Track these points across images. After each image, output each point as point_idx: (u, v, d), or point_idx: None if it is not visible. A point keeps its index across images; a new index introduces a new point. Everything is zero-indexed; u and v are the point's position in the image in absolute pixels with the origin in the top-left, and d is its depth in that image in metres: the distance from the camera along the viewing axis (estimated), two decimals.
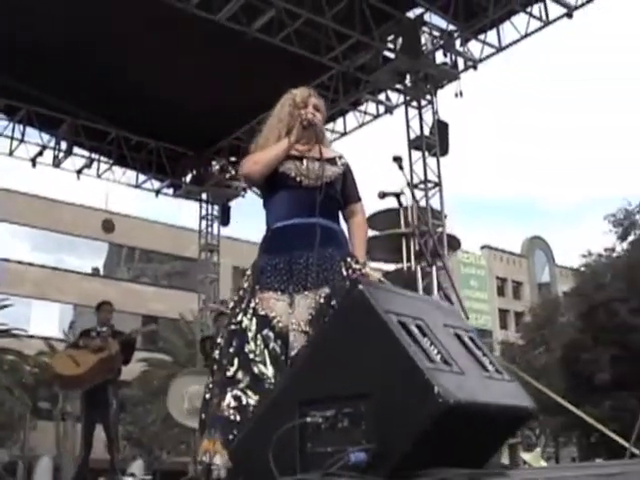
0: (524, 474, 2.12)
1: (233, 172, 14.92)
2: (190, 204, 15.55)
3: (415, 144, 11.24)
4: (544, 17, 10.13)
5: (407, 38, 10.84)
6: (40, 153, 13.51)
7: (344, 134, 13.31)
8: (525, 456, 14.15)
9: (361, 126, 13.10)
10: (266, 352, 3.29)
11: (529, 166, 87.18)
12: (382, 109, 12.72)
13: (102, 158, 14.08)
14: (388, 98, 12.62)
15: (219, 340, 3.57)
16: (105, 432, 8.13)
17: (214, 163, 14.94)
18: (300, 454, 2.13)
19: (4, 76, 11.56)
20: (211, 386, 3.48)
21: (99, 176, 14.19)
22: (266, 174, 3.61)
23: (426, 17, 10.97)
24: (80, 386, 8.12)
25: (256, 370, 3.26)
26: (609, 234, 22.09)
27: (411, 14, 10.95)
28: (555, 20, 10.05)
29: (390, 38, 11.21)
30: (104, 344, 8.01)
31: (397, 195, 4.75)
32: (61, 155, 13.47)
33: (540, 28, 10.22)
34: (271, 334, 3.33)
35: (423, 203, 10.70)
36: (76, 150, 13.69)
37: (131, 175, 14.60)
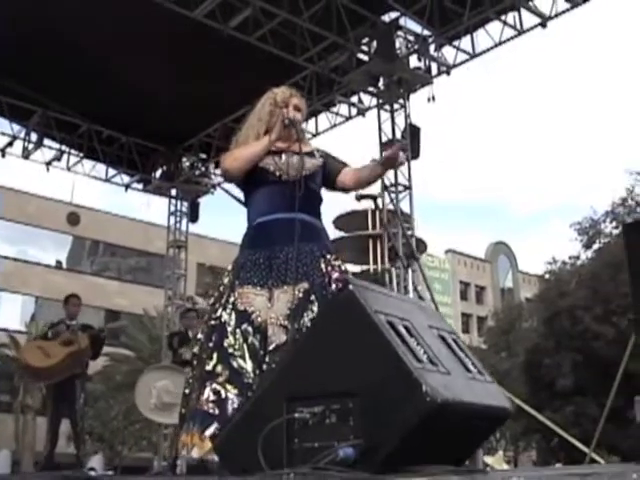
0: (504, 475, 2.18)
1: (203, 169, 14.95)
2: (157, 199, 15.53)
3: (387, 147, 11.32)
4: (518, 26, 10.26)
5: (382, 41, 10.92)
6: (10, 144, 13.41)
7: (315, 135, 13.35)
8: (487, 459, 14.30)
9: (333, 127, 13.15)
10: (245, 346, 3.34)
11: (496, 172, 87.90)
12: (354, 111, 12.80)
13: (72, 151, 14.01)
14: (360, 100, 12.70)
15: (199, 335, 3.61)
16: (71, 426, 8.11)
17: (184, 160, 14.95)
18: (287, 449, 2.18)
19: None
20: (191, 381, 3.52)
21: (69, 169, 14.14)
22: (246, 170, 3.64)
23: (401, 21, 11.07)
24: (49, 378, 8.10)
25: (235, 364, 3.31)
26: (574, 242, 22.45)
27: (386, 18, 11.04)
28: (529, 29, 10.17)
29: (365, 41, 11.30)
30: (74, 337, 7.99)
31: (374, 198, 4.80)
32: (31, 146, 13.39)
33: (514, 37, 10.35)
34: (250, 329, 3.38)
35: (392, 206, 10.79)
36: (46, 142, 13.60)
37: (101, 169, 14.58)
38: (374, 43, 11.14)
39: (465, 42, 10.93)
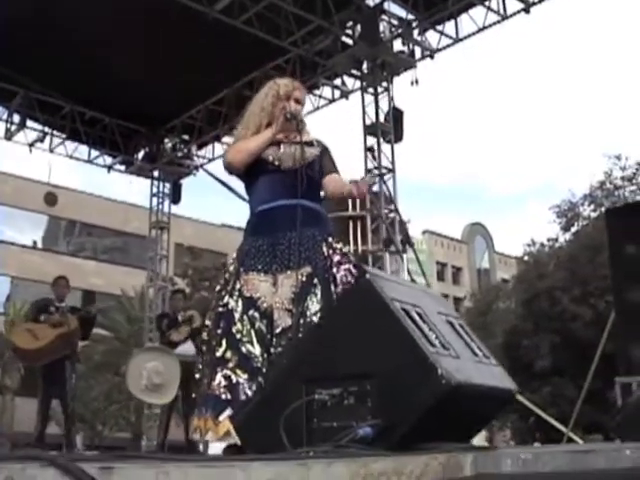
0: (513, 452, 2.32)
1: (186, 151, 14.99)
2: (134, 179, 15.55)
3: (370, 130, 11.43)
4: (502, 11, 10.37)
5: (366, 25, 11.00)
6: None
7: None
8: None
9: (316, 110, 13.21)
10: (252, 332, 3.45)
11: (474, 154, 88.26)
12: (338, 94, 12.86)
13: (55, 132, 13.98)
14: (344, 83, 12.76)
15: (207, 322, 3.71)
16: (62, 407, 8.19)
17: (167, 141, 14.96)
18: (307, 428, 2.30)
19: None
20: (201, 367, 3.62)
21: (51, 150, 14.12)
22: (248, 163, 3.73)
23: (385, 5, 11.15)
24: (39, 360, 8.14)
25: (244, 350, 3.42)
26: (552, 224, 22.70)
27: (371, 2, 11.12)
28: (513, 15, 10.28)
29: (349, 24, 11.37)
30: (63, 319, 8.05)
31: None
32: (14, 128, 13.35)
33: (498, 22, 10.46)
34: (257, 314, 3.49)
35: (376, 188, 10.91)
36: (29, 123, 13.58)
37: (83, 150, 14.57)
38: (358, 27, 11.22)
39: (449, 27, 11.04)
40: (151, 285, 15.14)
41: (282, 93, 3.90)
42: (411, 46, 11.39)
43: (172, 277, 19.01)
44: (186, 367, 8.41)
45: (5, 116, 13.33)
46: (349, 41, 11.50)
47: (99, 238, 39.94)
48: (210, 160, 14.94)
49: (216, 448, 3.75)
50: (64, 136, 14.03)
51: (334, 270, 3.56)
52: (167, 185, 15.24)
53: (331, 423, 2.28)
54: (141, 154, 14.88)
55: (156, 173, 15.22)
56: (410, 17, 11.14)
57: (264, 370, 3.38)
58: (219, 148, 14.75)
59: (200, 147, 14.99)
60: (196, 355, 8.97)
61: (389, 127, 11.29)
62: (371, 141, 11.39)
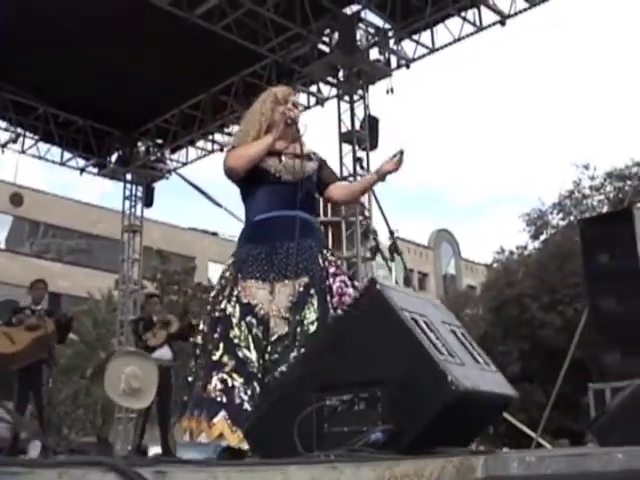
0: (519, 455, 2.41)
1: (159, 154, 14.99)
2: (102, 181, 15.52)
3: (346, 138, 11.54)
4: (477, 23, 10.52)
5: (343, 33, 11.09)
6: None
7: None
8: None
9: None
10: (250, 338, 3.52)
11: (443, 161, 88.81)
12: (313, 101, 12.93)
13: (27, 134, 13.92)
14: (320, 90, 12.83)
15: (201, 326, 3.77)
16: (37, 412, 8.16)
17: (140, 144, 14.95)
18: (317, 433, 2.37)
19: None
20: (194, 370, 3.67)
21: (24, 152, 14.05)
22: (249, 169, 3.78)
23: (363, 14, 11.26)
24: (16, 363, 8.09)
25: (241, 354, 3.48)
26: (519, 232, 22.92)
27: (348, 10, 11.22)
28: (488, 26, 10.44)
29: (326, 32, 11.46)
30: (40, 322, 8.03)
31: None
32: None
33: (473, 33, 10.60)
34: (254, 320, 3.55)
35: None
36: (1, 124, 13.52)
37: (55, 152, 14.52)
38: (335, 35, 11.31)
39: (425, 37, 11.17)
40: (123, 288, 15.08)
41: (280, 97, 3.97)
42: (387, 55, 11.51)
43: (141, 281, 18.89)
44: (162, 372, 8.43)
45: None
46: (326, 49, 11.59)
47: (64, 240, 39.62)
48: (184, 164, 14.96)
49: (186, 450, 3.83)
50: (37, 137, 13.96)
51: (330, 281, 3.65)
52: (140, 188, 15.21)
53: (342, 428, 2.35)
54: (114, 157, 14.85)
55: (129, 176, 15.20)
56: (387, 26, 11.26)
57: (259, 375, 3.46)
58: (193, 152, 14.80)
59: (174, 151, 15.00)
60: (172, 360, 9.03)
61: (365, 135, 11.40)
62: (346, 149, 11.50)
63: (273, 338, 3.51)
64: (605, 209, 20.84)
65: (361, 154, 11.43)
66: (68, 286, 35.01)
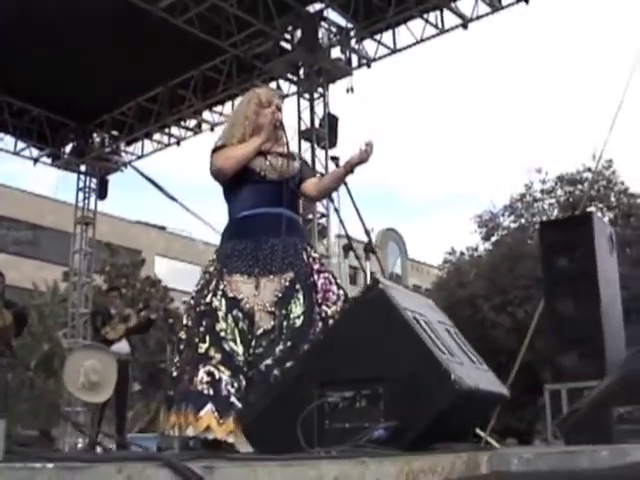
0: (519, 451, 2.49)
1: (114, 146, 14.85)
2: (50, 172, 15.36)
3: (305, 135, 11.56)
4: (440, 25, 10.62)
5: (306, 31, 11.13)
6: None
7: None
8: None
9: None
10: (236, 331, 3.56)
11: (395, 161, 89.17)
12: None
13: None
14: (279, 87, 12.83)
15: (185, 320, 3.78)
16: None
17: (95, 135, 14.80)
18: (319, 429, 2.41)
19: None
20: (178, 364, 3.69)
21: None
22: (237, 170, 3.82)
23: (325, 13, 11.31)
24: None
25: (227, 347, 3.52)
26: (468, 233, 23.27)
27: (311, 8, 11.25)
28: (450, 29, 10.55)
29: (289, 29, 11.48)
30: None
31: None
32: None
33: (435, 35, 10.71)
34: (240, 314, 3.60)
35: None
36: None
37: (9, 141, 14.29)
38: (298, 32, 11.34)
39: (387, 37, 11.24)
40: (75, 280, 14.93)
41: (264, 100, 4.01)
42: (348, 54, 11.56)
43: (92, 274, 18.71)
44: (120, 365, 8.41)
45: None
46: (288, 46, 11.60)
47: (9, 230, 38.97)
48: (139, 157, 14.85)
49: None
50: None
51: (315, 277, 3.73)
52: (94, 180, 15.05)
53: (343, 424, 2.40)
54: (69, 148, 14.68)
55: (83, 168, 15.03)
56: (349, 26, 11.31)
57: (245, 369, 3.50)
58: (149, 145, 14.69)
59: (129, 143, 14.87)
60: (130, 354, 9.01)
61: (324, 133, 11.44)
62: (305, 146, 11.53)
63: (259, 332, 3.56)
64: (555, 213, 21.25)
65: (319, 152, 11.46)
66: (13, 277, 34.40)
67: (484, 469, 2.10)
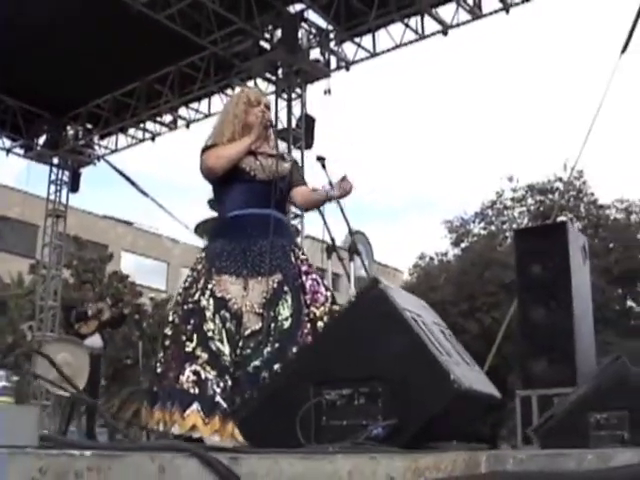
0: (514, 454, 2.55)
1: (88, 139, 14.77)
2: (12, 162, 15.25)
3: (282, 135, 11.56)
4: (420, 31, 10.68)
5: (286, 32, 11.14)
6: None
7: (208, 116, 13.40)
8: None
9: None
10: (224, 331, 3.58)
11: (367, 164, 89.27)
12: None
13: None
14: (257, 86, 12.82)
15: (171, 317, 3.79)
16: None
17: (69, 128, 14.70)
18: (316, 426, 2.44)
19: None
20: (163, 360, 3.70)
21: None
22: (228, 169, 3.84)
23: (306, 14, 11.33)
24: None
25: (214, 347, 3.54)
26: (438, 238, 23.45)
27: (292, 9, 11.28)
28: (430, 35, 10.61)
29: (269, 29, 11.49)
30: None
31: None
32: None
33: (415, 40, 10.77)
34: (227, 315, 3.61)
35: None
36: None
37: None
38: (278, 32, 11.35)
39: (367, 40, 11.28)
40: (44, 273, 14.84)
41: (252, 99, 4.05)
42: (327, 56, 11.60)
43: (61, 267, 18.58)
44: (92, 359, 8.39)
45: None
46: (267, 45, 11.61)
47: None
48: (113, 151, 14.77)
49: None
50: None
51: (303, 279, 3.76)
52: (66, 173, 14.95)
53: (341, 421, 2.43)
54: (42, 139, 14.57)
55: (56, 160, 14.92)
56: (329, 27, 11.35)
57: (231, 369, 3.51)
58: (123, 140, 14.62)
59: (103, 137, 14.79)
60: (102, 348, 8.98)
61: (300, 133, 11.47)
62: (282, 146, 11.50)
63: (246, 333, 3.58)
64: (526, 221, 21.46)
65: (296, 153, 11.48)
66: None
67: (483, 468, 2.16)
